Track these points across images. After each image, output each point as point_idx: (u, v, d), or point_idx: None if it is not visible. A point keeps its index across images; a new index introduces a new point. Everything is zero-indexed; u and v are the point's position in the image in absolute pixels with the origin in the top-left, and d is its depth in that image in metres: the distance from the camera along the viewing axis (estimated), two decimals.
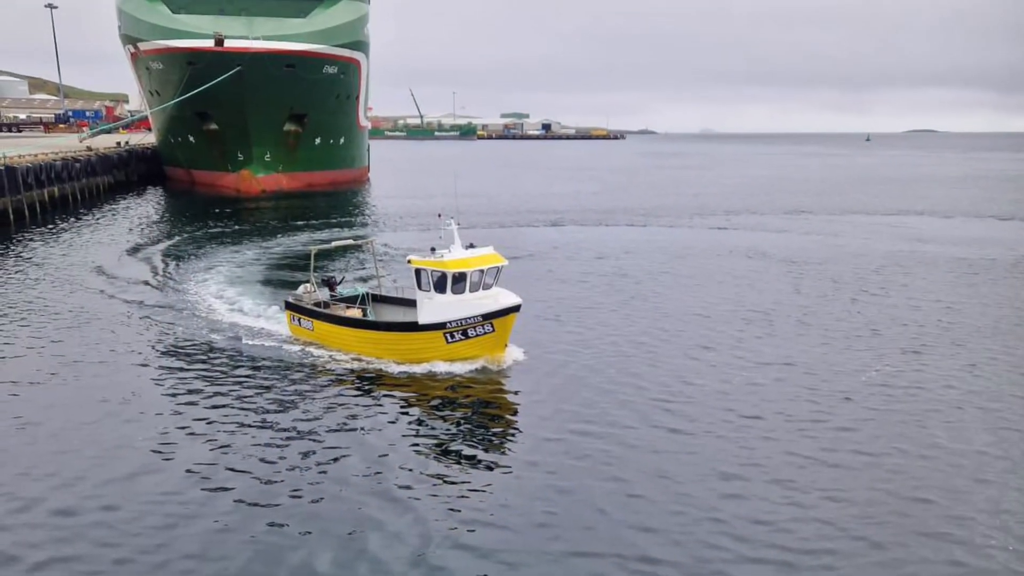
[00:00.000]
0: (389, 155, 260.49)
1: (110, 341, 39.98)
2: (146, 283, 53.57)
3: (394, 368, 35.08)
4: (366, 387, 33.25)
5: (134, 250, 66.52)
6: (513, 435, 28.65)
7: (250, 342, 39.20)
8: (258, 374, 34.62)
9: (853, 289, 52.71)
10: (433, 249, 35.87)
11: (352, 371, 35.16)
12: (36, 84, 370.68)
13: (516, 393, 32.83)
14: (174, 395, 32.24)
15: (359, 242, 50.01)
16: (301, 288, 41.52)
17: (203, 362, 36.33)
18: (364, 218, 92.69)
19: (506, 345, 35.90)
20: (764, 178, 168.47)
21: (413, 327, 35.61)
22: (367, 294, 41.08)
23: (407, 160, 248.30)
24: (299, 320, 39.81)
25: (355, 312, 39.16)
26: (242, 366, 35.70)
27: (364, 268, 57.41)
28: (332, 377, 34.44)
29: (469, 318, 34.47)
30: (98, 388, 33.20)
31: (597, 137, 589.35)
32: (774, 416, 30.13)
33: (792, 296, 50.68)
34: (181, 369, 35.40)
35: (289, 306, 40.61)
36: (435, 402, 31.50)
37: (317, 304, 39.55)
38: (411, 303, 37.32)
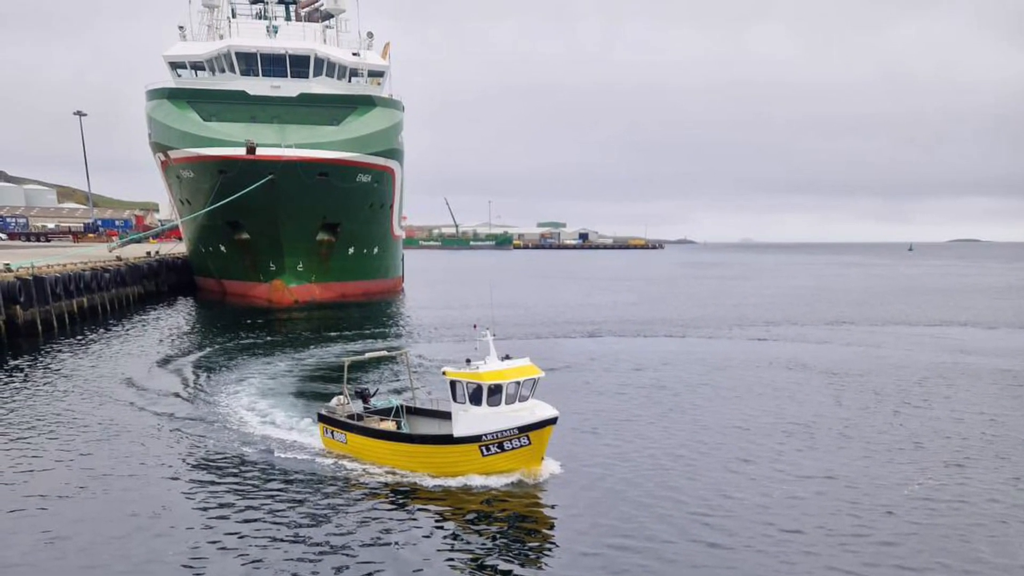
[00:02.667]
0: (424, 265, 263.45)
1: (140, 454, 41.08)
2: (176, 395, 54.87)
3: (428, 481, 35.87)
4: (400, 501, 34.04)
5: (164, 361, 68.08)
6: (550, 549, 29.25)
7: (282, 455, 40.21)
8: (290, 487, 35.53)
9: (895, 401, 53.02)
10: (468, 360, 36.87)
11: (386, 484, 35.97)
12: (65, 193, 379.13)
13: (553, 507, 33.46)
14: (205, 509, 33.14)
15: (393, 353, 50.97)
16: (334, 400, 42.50)
17: (234, 475, 37.33)
18: (398, 329, 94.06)
19: (543, 458, 36.58)
20: (805, 288, 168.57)
21: (448, 440, 36.43)
22: (401, 406, 42.00)
23: (442, 270, 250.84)
24: (332, 433, 40.76)
25: (389, 424, 40.04)
26: (274, 479, 36.66)
27: (398, 380, 58.44)
28: (366, 491, 35.27)
29: (505, 431, 35.26)
30: (128, 502, 34.13)
31: (635, 247, 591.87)
32: (815, 530, 30.53)
33: (833, 408, 51.08)
34: (212, 483, 36.37)
35: (322, 418, 41.58)
36: (470, 516, 32.21)
37: (350, 416, 40.49)
38: (446, 415, 38.18)
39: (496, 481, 35.45)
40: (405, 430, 39.78)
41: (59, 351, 72.43)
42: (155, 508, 33.24)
